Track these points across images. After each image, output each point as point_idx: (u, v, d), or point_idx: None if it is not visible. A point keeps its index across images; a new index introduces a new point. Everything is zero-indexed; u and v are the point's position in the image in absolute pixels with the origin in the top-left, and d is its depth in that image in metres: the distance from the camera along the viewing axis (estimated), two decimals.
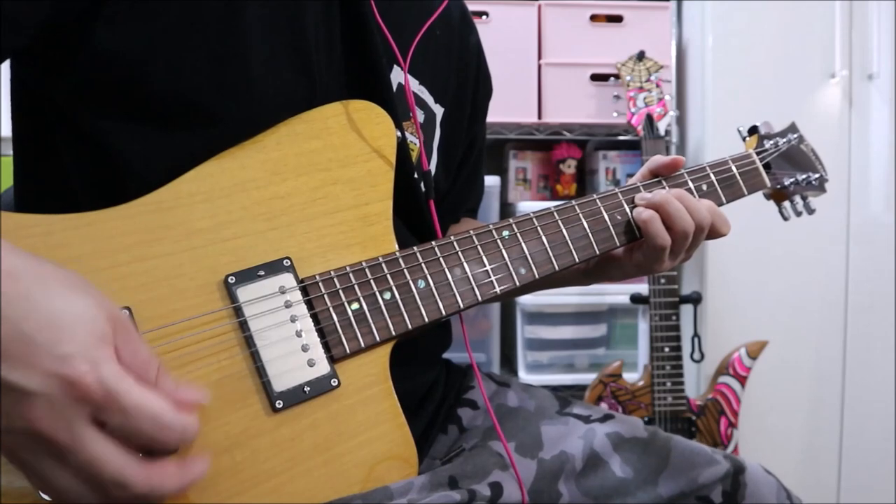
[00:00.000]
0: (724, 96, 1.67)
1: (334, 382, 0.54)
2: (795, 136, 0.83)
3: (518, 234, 0.64)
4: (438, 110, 0.75)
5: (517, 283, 0.62)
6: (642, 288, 1.59)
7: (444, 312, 0.59)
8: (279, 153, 0.58)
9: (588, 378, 1.64)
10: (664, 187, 0.70)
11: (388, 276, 0.58)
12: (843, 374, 1.73)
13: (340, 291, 0.56)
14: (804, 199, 0.84)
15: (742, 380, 1.55)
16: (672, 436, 0.70)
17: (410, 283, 0.59)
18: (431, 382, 0.74)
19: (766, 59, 1.67)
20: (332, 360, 0.55)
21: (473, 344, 1.72)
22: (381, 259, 0.59)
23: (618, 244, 0.67)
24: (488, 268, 0.62)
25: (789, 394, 1.72)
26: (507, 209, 1.85)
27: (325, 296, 0.56)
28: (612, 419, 0.71)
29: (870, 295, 1.71)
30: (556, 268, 0.64)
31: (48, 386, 0.39)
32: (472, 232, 0.62)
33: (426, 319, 0.58)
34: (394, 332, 0.57)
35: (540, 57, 1.71)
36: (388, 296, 0.58)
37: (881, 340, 1.69)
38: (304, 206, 0.58)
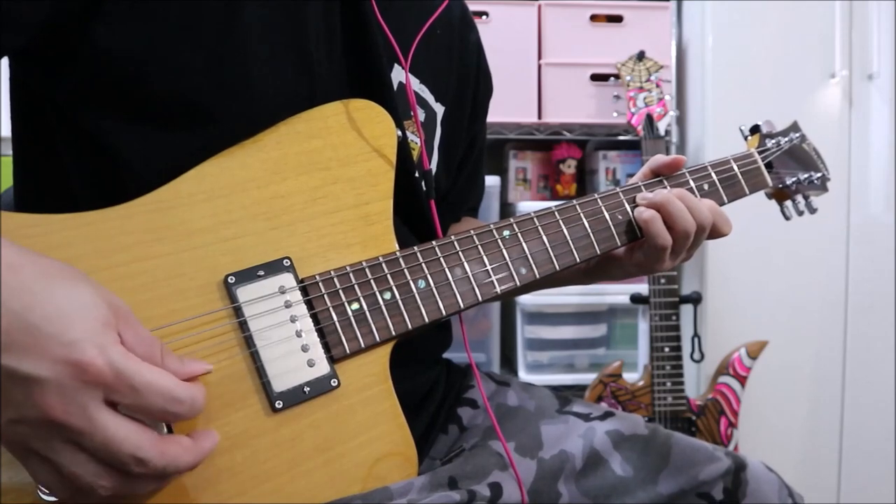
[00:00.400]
0: (724, 96, 1.67)
1: (334, 382, 0.54)
2: (797, 135, 0.83)
3: (519, 234, 0.64)
4: (439, 109, 0.75)
5: (518, 283, 0.62)
6: (642, 288, 1.59)
7: (444, 312, 0.59)
8: (279, 152, 0.58)
9: (588, 378, 1.64)
10: (665, 187, 0.70)
11: (389, 275, 0.58)
12: (843, 374, 1.73)
13: (340, 291, 0.56)
14: (806, 198, 0.84)
15: (742, 380, 1.55)
16: (672, 433, 0.70)
17: (411, 282, 0.59)
18: (432, 382, 0.74)
19: (766, 59, 1.67)
20: (332, 360, 0.55)
21: (473, 344, 1.72)
22: (381, 259, 0.58)
23: (619, 244, 0.67)
24: (489, 267, 0.62)
25: (789, 394, 1.72)
26: (507, 209, 1.85)
27: (325, 296, 0.56)
28: (613, 417, 0.71)
29: (870, 295, 1.71)
30: (557, 267, 0.64)
31: (59, 373, 0.39)
32: (472, 231, 0.62)
33: (426, 319, 0.58)
34: (394, 333, 0.57)
35: (540, 57, 1.71)
36: (388, 296, 0.58)
37: (881, 340, 1.69)
38: (305, 205, 0.58)
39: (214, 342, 0.52)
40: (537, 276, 0.63)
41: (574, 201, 0.67)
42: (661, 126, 1.55)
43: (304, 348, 0.54)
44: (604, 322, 1.76)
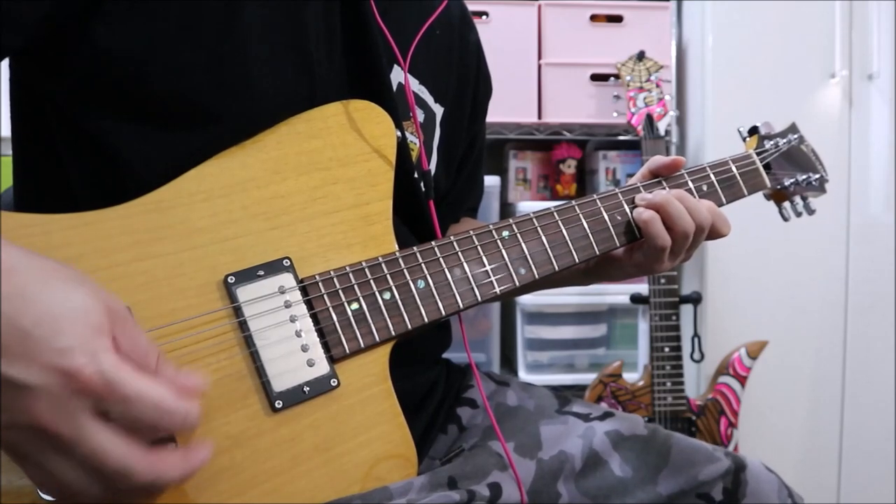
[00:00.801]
0: (724, 96, 1.67)
1: (334, 382, 0.54)
2: (796, 136, 0.83)
3: (518, 235, 0.64)
4: (438, 110, 0.75)
5: (517, 284, 0.62)
6: (642, 288, 1.59)
7: (443, 312, 0.59)
8: (279, 152, 0.58)
9: (588, 378, 1.64)
10: (664, 187, 0.70)
11: (388, 276, 0.58)
12: (843, 374, 1.73)
13: (340, 291, 0.56)
14: (804, 199, 0.84)
15: (742, 380, 1.55)
16: (672, 433, 0.70)
17: (410, 283, 0.59)
18: (431, 382, 0.74)
19: (766, 59, 1.67)
20: (332, 360, 0.55)
21: (473, 344, 1.72)
22: (380, 259, 0.59)
23: (618, 244, 0.67)
24: (488, 268, 0.62)
25: (789, 394, 1.72)
26: (507, 209, 1.85)
27: (325, 296, 0.56)
28: (612, 417, 0.71)
29: (870, 295, 1.71)
30: (556, 268, 0.64)
31: (48, 380, 0.39)
32: (471, 232, 0.62)
33: (426, 319, 0.58)
34: (393, 333, 0.57)
35: (540, 57, 1.71)
36: (387, 296, 0.58)
37: (881, 340, 1.69)
38: (305, 205, 0.58)
39: (214, 342, 0.52)
40: (536, 276, 0.63)
41: (573, 202, 0.67)
42: (661, 126, 1.55)
43: (304, 348, 0.54)
44: (604, 322, 1.76)
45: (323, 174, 0.59)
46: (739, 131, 0.84)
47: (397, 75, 0.69)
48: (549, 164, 1.86)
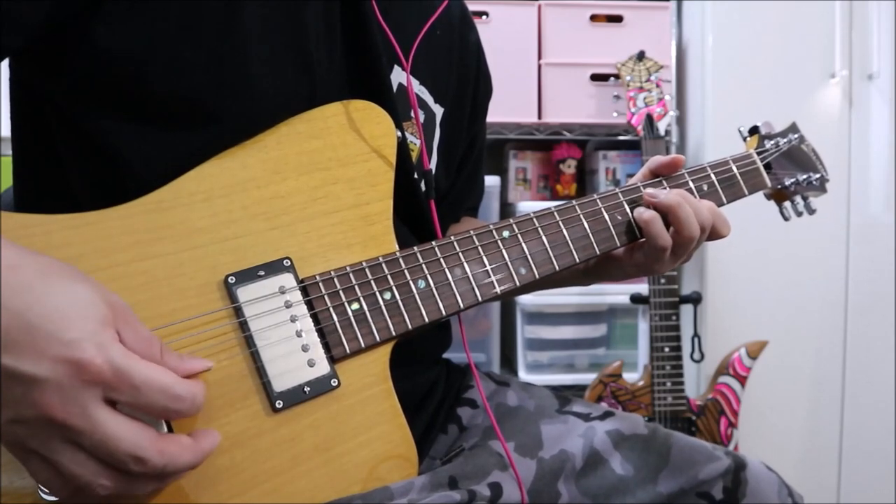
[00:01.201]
0: (724, 96, 1.67)
1: (334, 382, 0.54)
2: (796, 136, 0.83)
3: (518, 234, 0.64)
4: (438, 110, 0.75)
5: (517, 284, 0.62)
6: (642, 288, 1.59)
7: (444, 313, 0.59)
8: (280, 152, 0.58)
9: (588, 378, 1.64)
10: (665, 187, 0.70)
11: (389, 276, 0.58)
12: (843, 374, 1.73)
13: (340, 291, 0.56)
14: (805, 199, 0.84)
15: (742, 380, 1.55)
16: (672, 432, 0.70)
17: (410, 283, 0.59)
18: (431, 382, 0.74)
19: (766, 59, 1.67)
20: (332, 360, 0.55)
21: (473, 344, 1.72)
22: (381, 259, 0.59)
23: (618, 244, 0.67)
24: (488, 268, 0.62)
25: (789, 394, 1.72)
26: (507, 209, 1.85)
27: (325, 296, 0.56)
28: (612, 416, 0.71)
29: (870, 295, 1.70)
30: (557, 268, 0.64)
31: (58, 372, 0.39)
32: (472, 232, 0.62)
33: (426, 320, 0.58)
34: (394, 333, 0.57)
35: (540, 57, 1.71)
36: (388, 296, 0.58)
37: (881, 340, 1.69)
38: (305, 205, 0.58)
39: (215, 342, 0.52)
40: (537, 276, 0.63)
41: (573, 202, 0.67)
42: (661, 126, 1.55)
43: (305, 348, 0.54)
44: (604, 322, 1.76)
45: (323, 174, 0.59)
46: (740, 131, 0.84)
47: (398, 76, 0.69)
48: (549, 164, 1.86)
